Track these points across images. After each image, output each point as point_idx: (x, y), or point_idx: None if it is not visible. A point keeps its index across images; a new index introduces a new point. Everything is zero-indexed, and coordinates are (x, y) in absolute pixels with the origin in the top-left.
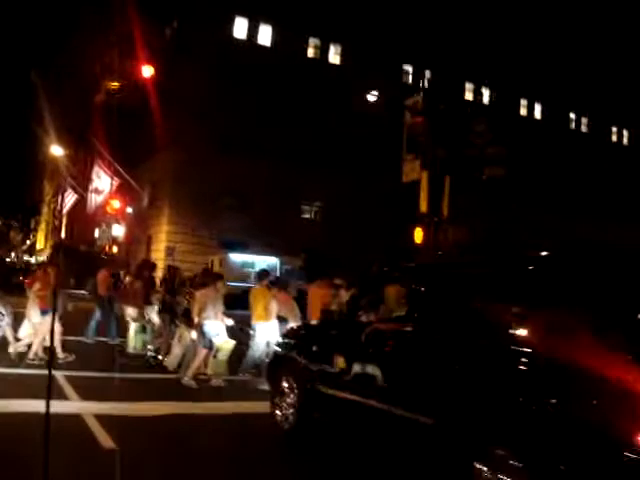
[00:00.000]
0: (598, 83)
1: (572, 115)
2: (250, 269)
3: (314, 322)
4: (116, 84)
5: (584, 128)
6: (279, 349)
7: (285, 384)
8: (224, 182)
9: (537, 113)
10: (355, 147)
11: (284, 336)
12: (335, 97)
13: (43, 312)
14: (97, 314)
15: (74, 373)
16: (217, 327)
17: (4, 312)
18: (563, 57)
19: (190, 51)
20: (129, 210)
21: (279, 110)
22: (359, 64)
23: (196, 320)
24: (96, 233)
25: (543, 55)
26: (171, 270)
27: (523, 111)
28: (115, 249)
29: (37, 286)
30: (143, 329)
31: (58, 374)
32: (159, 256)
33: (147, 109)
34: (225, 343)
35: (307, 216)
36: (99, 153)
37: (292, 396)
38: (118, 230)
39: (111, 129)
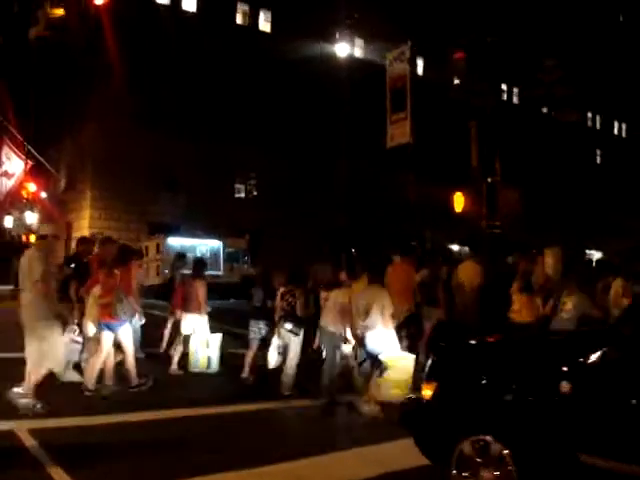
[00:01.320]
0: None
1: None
2: (191, 254)
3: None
4: (60, 11)
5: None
6: (455, 385)
7: (477, 451)
8: (151, 161)
9: None
10: (290, 118)
11: (462, 360)
12: (267, 65)
13: (105, 326)
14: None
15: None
16: (382, 338)
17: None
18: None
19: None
20: (43, 195)
21: (208, 81)
22: (291, 30)
23: (355, 330)
24: (7, 222)
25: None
26: (266, 268)
27: None
28: (33, 238)
29: (97, 291)
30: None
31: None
32: None
33: (70, 70)
34: (394, 360)
35: (241, 195)
36: (8, 131)
37: (501, 474)
38: (32, 217)
39: (25, 99)
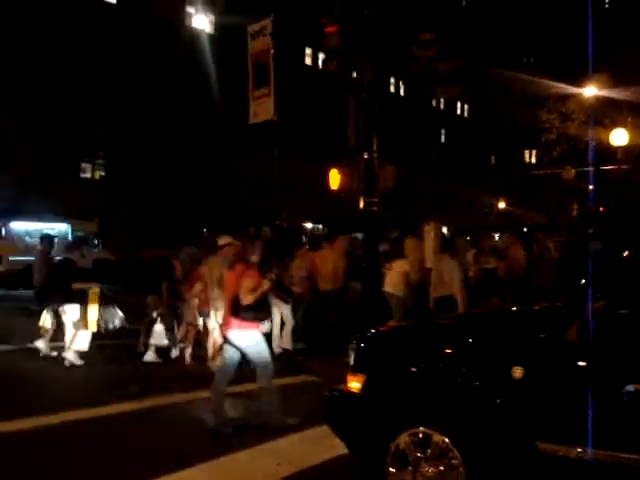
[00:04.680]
0: None
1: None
2: (38, 239)
3: None
4: None
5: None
6: (386, 375)
7: (416, 445)
8: None
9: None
10: (145, 95)
11: (405, 347)
12: (118, 39)
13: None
14: None
15: None
16: None
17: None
18: None
19: None
20: None
21: (52, 52)
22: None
23: None
24: None
25: None
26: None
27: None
28: None
29: (199, 287)
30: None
31: None
32: None
33: None
34: None
35: (87, 175)
36: None
37: (443, 467)
38: None
39: None
